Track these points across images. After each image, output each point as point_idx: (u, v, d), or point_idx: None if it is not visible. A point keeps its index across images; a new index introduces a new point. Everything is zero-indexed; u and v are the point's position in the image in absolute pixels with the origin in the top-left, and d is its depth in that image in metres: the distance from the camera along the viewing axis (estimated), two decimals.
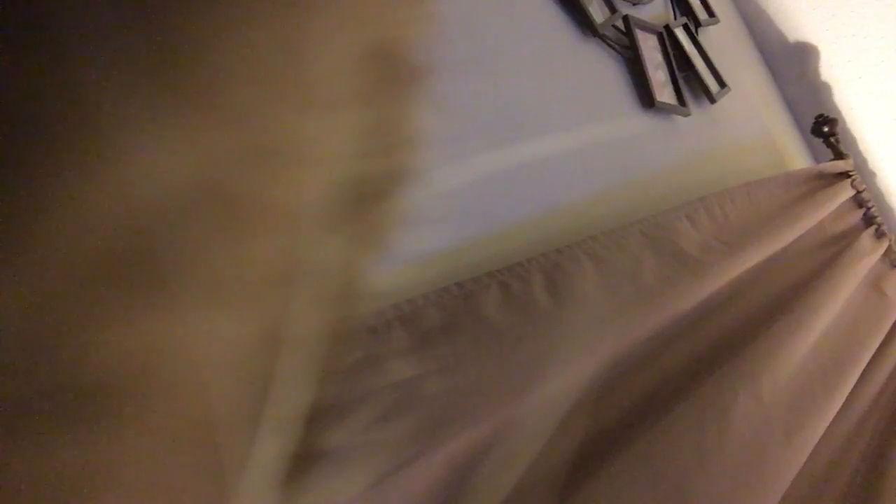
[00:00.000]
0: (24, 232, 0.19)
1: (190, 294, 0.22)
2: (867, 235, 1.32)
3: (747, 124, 1.42)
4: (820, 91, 1.69)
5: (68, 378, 0.19)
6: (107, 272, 0.20)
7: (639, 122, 1.01)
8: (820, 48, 1.65)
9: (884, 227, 1.41)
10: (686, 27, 1.27)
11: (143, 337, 0.21)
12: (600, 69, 0.98)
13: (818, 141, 1.56)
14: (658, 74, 1.09)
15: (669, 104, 1.07)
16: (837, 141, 1.51)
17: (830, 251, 1.16)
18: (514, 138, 0.74)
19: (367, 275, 0.30)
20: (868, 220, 1.40)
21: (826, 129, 1.51)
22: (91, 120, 0.20)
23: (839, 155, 1.48)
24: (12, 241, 0.19)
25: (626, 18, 1.05)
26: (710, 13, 1.42)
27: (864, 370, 1.00)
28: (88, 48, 0.20)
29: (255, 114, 0.24)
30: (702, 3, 1.41)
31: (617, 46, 1.02)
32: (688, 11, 1.33)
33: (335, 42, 0.27)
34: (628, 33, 1.06)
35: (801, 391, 0.80)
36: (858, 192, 1.41)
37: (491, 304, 0.55)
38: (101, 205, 0.20)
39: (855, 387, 0.95)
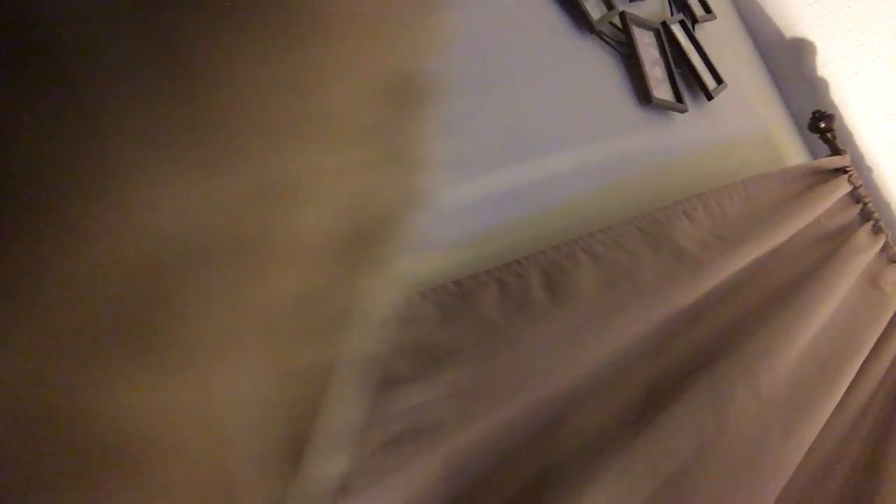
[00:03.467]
0: (31, 284, 0.18)
1: (203, 344, 0.22)
2: (864, 231, 1.33)
3: (744, 121, 1.42)
4: (817, 87, 1.70)
5: (80, 440, 0.19)
6: (117, 324, 0.20)
7: (636, 118, 1.01)
8: (817, 44, 1.65)
9: (881, 223, 1.41)
10: (683, 24, 1.27)
11: (156, 394, 0.21)
12: (597, 66, 0.97)
13: (815, 137, 1.56)
14: (655, 71, 1.08)
15: (666, 101, 1.07)
16: (834, 137, 1.51)
17: (828, 247, 1.17)
18: (511, 136, 0.74)
19: (381, 305, 0.30)
20: (865, 216, 1.40)
21: (823, 125, 1.51)
22: (102, 164, 0.20)
23: (836, 151, 1.48)
24: (19, 293, 0.18)
25: (622, 15, 1.05)
26: (707, 10, 1.42)
27: (862, 365, 1.00)
28: (101, 90, 0.20)
29: (268, 153, 0.24)
30: None
31: (614, 43, 1.02)
32: (685, 8, 1.33)
33: (349, 75, 0.27)
34: (625, 30, 1.06)
35: (799, 387, 0.80)
36: (855, 188, 1.41)
37: (489, 301, 0.55)
38: (110, 253, 0.20)
39: (852, 382, 0.95)
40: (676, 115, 1.11)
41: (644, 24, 1.11)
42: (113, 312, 0.20)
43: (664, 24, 1.18)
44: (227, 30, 0.22)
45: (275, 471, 0.24)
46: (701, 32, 1.36)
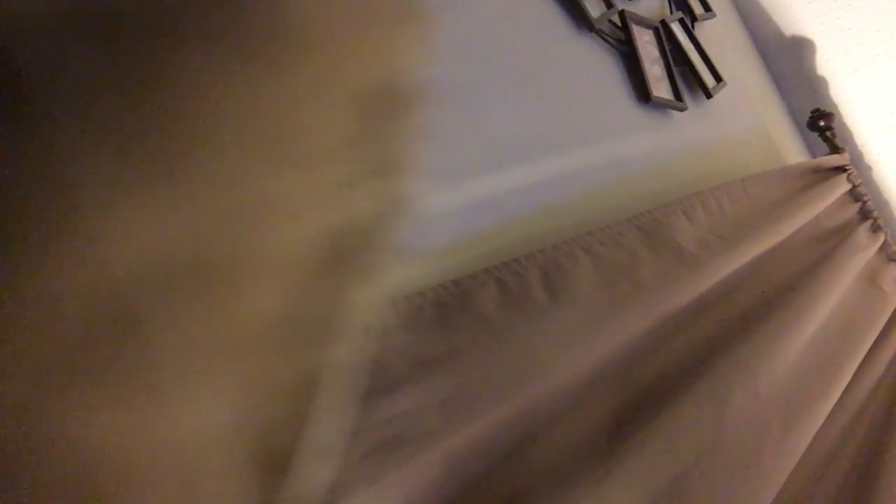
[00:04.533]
0: None
1: (175, 366, 0.21)
2: (863, 229, 1.33)
3: (743, 119, 1.42)
4: (816, 85, 1.70)
5: (54, 466, 0.19)
6: (86, 351, 0.19)
7: (635, 117, 1.01)
8: (816, 42, 1.65)
9: (880, 221, 1.41)
10: (682, 22, 1.27)
11: (127, 417, 0.20)
12: (596, 64, 0.97)
13: (814, 135, 1.56)
14: (654, 69, 1.08)
15: (666, 99, 1.07)
16: (833, 135, 1.51)
17: (827, 245, 1.17)
18: (510, 135, 0.73)
19: (367, 314, 0.30)
20: (864, 215, 1.40)
21: (822, 123, 1.51)
22: (67, 193, 0.19)
23: (835, 149, 1.48)
24: None
25: (622, 13, 1.05)
26: (707, 8, 1.42)
27: (861, 364, 1.00)
28: (64, 118, 0.19)
29: (238, 176, 0.23)
30: None
31: (613, 41, 1.02)
32: (684, 6, 1.33)
33: (324, 92, 0.26)
34: (624, 28, 1.05)
35: (798, 386, 0.80)
36: (854, 187, 1.41)
37: (488, 300, 0.55)
38: (78, 282, 0.19)
39: (851, 381, 0.95)
40: (675, 113, 1.11)
41: (643, 23, 1.11)
42: (81, 339, 0.19)
43: (663, 23, 1.18)
44: (195, 55, 0.22)
45: (256, 485, 0.23)
46: (700, 31, 1.36)
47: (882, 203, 1.67)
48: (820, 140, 1.54)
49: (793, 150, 1.62)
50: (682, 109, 1.11)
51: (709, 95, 1.23)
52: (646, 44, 1.09)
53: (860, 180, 1.44)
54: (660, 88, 1.07)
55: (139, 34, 0.21)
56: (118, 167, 0.20)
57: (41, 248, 0.19)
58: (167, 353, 0.21)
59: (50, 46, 0.19)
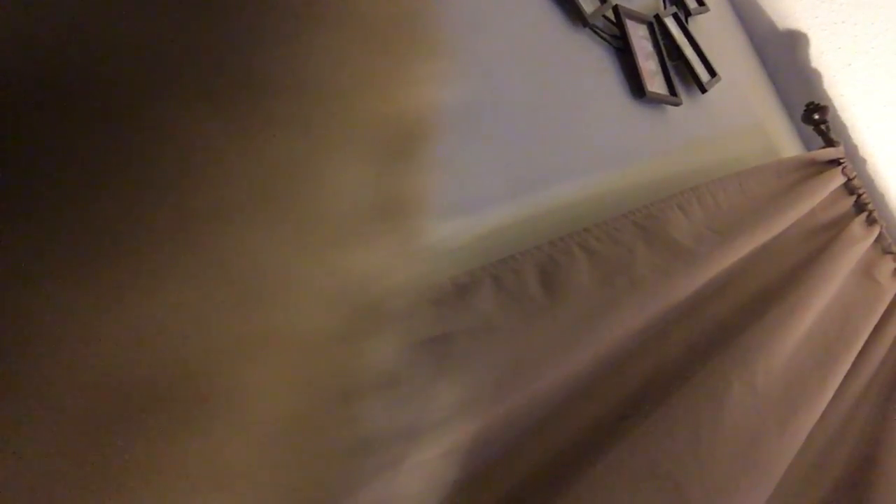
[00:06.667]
0: None
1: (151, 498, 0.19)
2: (858, 222, 1.33)
3: (738, 113, 1.42)
4: (810, 79, 1.70)
5: None
6: (61, 479, 0.18)
7: (630, 112, 1.01)
8: (810, 36, 1.65)
9: (875, 214, 1.42)
10: (676, 16, 1.26)
11: None
12: (590, 60, 0.97)
13: (809, 128, 1.57)
14: (648, 64, 1.08)
15: (660, 94, 1.07)
16: (828, 128, 1.51)
17: (822, 238, 1.17)
18: (504, 131, 0.73)
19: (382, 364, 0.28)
20: (859, 207, 1.41)
21: (817, 116, 1.51)
22: (25, 305, 0.17)
23: (830, 142, 1.49)
24: None
25: (616, 8, 1.05)
26: (700, 2, 1.42)
27: (857, 357, 1.01)
28: (28, 225, 0.17)
29: (239, 252, 0.21)
30: None
31: (607, 36, 1.02)
32: (678, 1, 1.33)
33: (340, 140, 0.24)
34: (618, 23, 1.05)
35: (795, 379, 0.80)
36: (849, 180, 1.42)
37: (485, 298, 0.55)
38: (45, 403, 0.17)
39: (848, 374, 0.95)
40: (670, 108, 1.11)
41: (637, 18, 1.11)
42: (55, 462, 0.17)
43: (657, 17, 1.18)
44: (183, 118, 0.19)
45: None
46: (694, 25, 1.36)
47: (877, 196, 1.67)
48: (814, 133, 1.54)
49: (787, 144, 1.62)
50: (676, 104, 1.11)
51: (703, 90, 1.23)
52: (640, 38, 1.09)
53: (855, 173, 1.44)
54: (654, 83, 1.07)
55: (112, 98, 0.18)
56: (86, 267, 0.18)
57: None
58: (144, 485, 0.19)
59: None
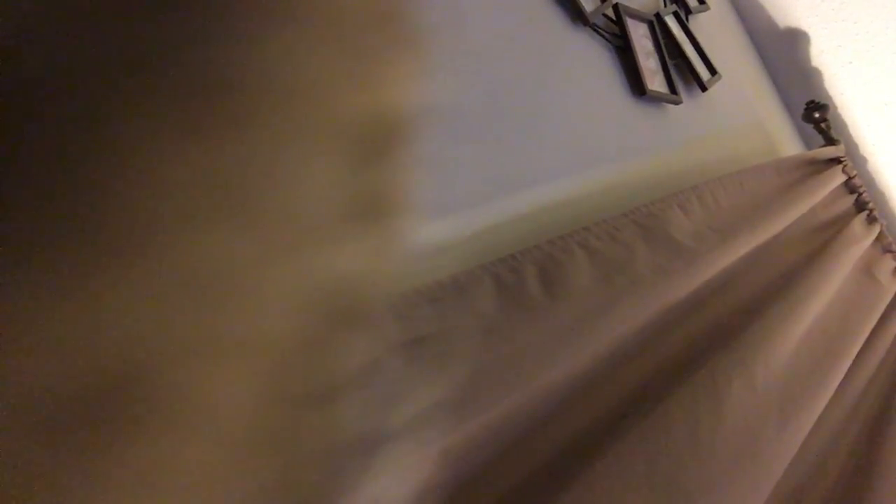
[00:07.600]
0: None
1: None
2: (859, 221, 1.33)
3: (738, 111, 1.41)
4: (810, 77, 1.69)
5: None
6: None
7: (630, 110, 1.00)
8: (810, 34, 1.65)
9: (875, 213, 1.41)
10: (676, 15, 1.26)
11: None
12: (591, 58, 0.97)
13: (809, 127, 1.56)
14: (649, 63, 1.08)
15: (661, 92, 1.06)
16: (828, 127, 1.51)
17: (822, 237, 1.17)
18: (504, 128, 0.73)
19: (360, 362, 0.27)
20: (859, 206, 1.40)
21: (817, 115, 1.51)
22: None
23: (830, 141, 1.48)
24: None
25: (616, 7, 1.05)
26: (701, 0, 1.42)
27: (857, 355, 1.01)
28: None
29: (195, 253, 0.20)
30: None
31: (607, 35, 1.02)
32: None
33: (310, 137, 0.24)
34: (619, 22, 1.05)
35: (795, 378, 0.80)
36: (850, 178, 1.41)
37: (484, 296, 0.55)
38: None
39: (848, 373, 0.95)
40: (671, 106, 1.11)
41: (638, 16, 1.11)
42: None
43: (658, 16, 1.18)
44: (137, 118, 0.18)
45: None
46: (695, 23, 1.35)
47: (877, 194, 1.67)
48: (815, 132, 1.54)
49: (788, 143, 1.62)
50: (677, 103, 1.11)
51: (704, 88, 1.22)
52: (640, 37, 1.09)
53: (855, 172, 1.44)
54: (654, 82, 1.06)
55: (56, 97, 0.18)
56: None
57: None
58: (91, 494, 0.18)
59: None
